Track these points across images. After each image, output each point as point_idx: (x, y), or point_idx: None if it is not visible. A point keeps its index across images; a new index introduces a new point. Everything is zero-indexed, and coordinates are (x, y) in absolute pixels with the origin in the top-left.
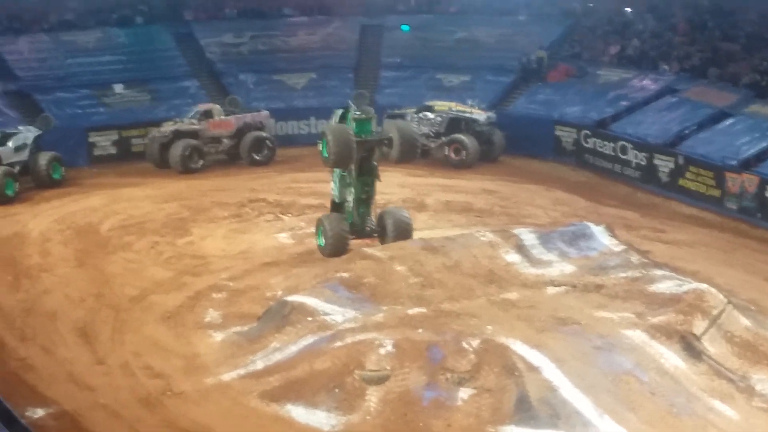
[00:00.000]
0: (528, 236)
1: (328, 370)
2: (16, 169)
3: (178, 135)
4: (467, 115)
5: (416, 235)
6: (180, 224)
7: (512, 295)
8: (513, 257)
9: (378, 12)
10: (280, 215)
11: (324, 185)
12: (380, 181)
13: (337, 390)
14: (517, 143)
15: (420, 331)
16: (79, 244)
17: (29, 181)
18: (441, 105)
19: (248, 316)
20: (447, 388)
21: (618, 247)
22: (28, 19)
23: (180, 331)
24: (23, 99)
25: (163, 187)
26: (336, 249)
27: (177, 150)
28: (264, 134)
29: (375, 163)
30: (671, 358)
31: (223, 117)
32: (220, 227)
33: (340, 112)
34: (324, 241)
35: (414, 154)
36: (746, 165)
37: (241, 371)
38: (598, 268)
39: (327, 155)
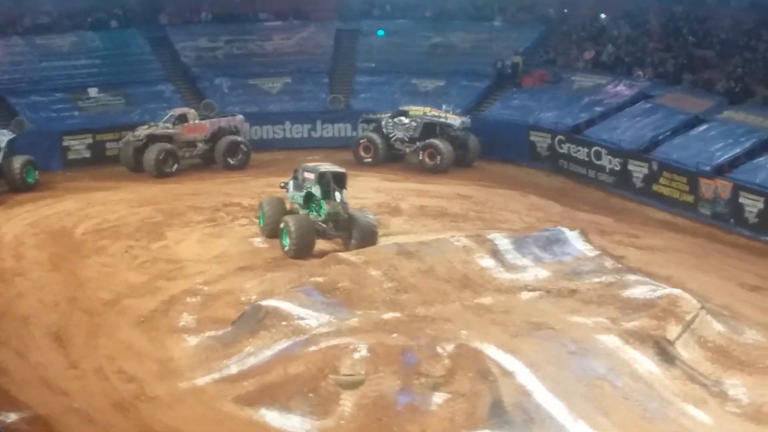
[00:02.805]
0: (502, 241)
1: (303, 375)
2: None
3: (152, 139)
4: (442, 120)
5: (391, 239)
6: (154, 228)
7: (487, 300)
8: (487, 262)
9: (353, 17)
10: (255, 219)
11: None
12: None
13: (311, 394)
14: (491, 148)
15: (394, 335)
16: (53, 248)
17: (3, 185)
18: (416, 110)
19: (223, 320)
20: (421, 393)
21: (592, 253)
22: (2, 22)
23: (154, 335)
24: None
25: (137, 191)
26: (302, 250)
27: (151, 154)
28: (239, 138)
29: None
30: (645, 363)
31: (197, 121)
32: (195, 231)
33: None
34: (289, 242)
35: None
36: (720, 171)
37: (216, 375)
38: (573, 273)
39: (287, 245)
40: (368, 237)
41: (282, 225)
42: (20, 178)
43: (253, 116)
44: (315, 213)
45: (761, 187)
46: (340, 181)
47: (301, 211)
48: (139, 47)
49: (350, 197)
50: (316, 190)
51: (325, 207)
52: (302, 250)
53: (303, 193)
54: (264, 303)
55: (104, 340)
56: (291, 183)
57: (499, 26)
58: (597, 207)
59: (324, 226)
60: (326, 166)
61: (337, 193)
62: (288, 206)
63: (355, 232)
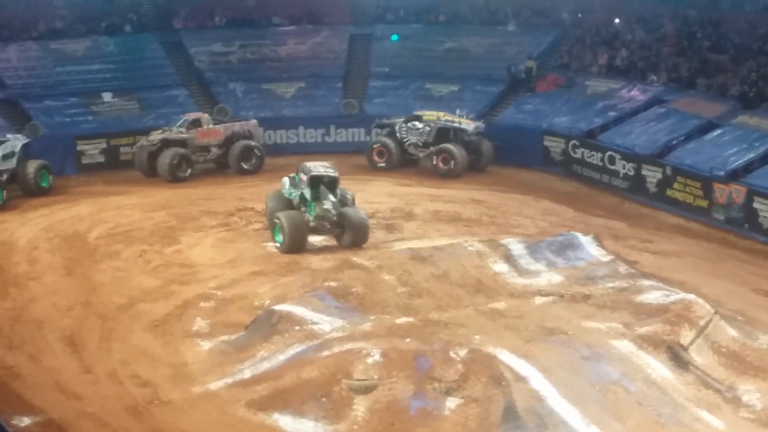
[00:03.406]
0: (516, 246)
1: (316, 380)
2: (4, 177)
3: (166, 144)
4: (456, 124)
5: (404, 244)
6: (168, 233)
7: (500, 304)
8: (501, 267)
9: (367, 21)
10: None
11: None
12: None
13: (324, 399)
14: (505, 153)
15: (408, 340)
16: (67, 253)
17: (17, 189)
18: (429, 114)
19: (236, 325)
20: (434, 398)
21: (606, 258)
22: (17, 27)
23: (167, 339)
24: (11, 107)
25: (151, 195)
26: (294, 247)
27: (165, 159)
28: (252, 143)
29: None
30: (658, 368)
31: (211, 126)
32: (209, 236)
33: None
34: (282, 238)
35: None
36: (734, 176)
37: (229, 380)
38: (586, 278)
39: (280, 242)
40: (360, 233)
41: (276, 221)
42: (34, 183)
43: (267, 121)
44: (307, 213)
45: None
46: (330, 185)
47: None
48: (153, 52)
49: (364, 202)
50: (307, 193)
51: (315, 209)
52: (294, 247)
53: (299, 193)
54: (277, 307)
55: (118, 344)
56: (288, 180)
57: (513, 31)
58: (611, 212)
59: (316, 223)
60: (320, 169)
61: (330, 196)
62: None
63: (347, 229)
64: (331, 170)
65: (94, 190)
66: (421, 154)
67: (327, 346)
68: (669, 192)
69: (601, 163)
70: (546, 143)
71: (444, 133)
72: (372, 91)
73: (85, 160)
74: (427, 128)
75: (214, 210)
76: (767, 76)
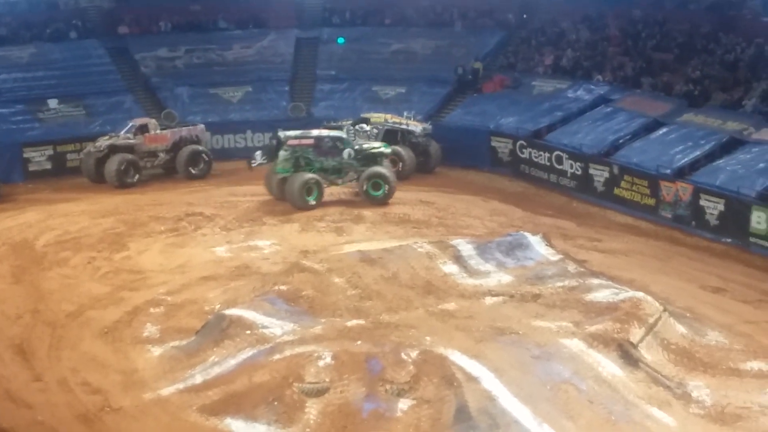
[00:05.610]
0: (465, 247)
1: (267, 383)
2: None
3: (113, 150)
4: (403, 126)
5: (354, 246)
6: (117, 239)
7: (450, 305)
8: (451, 268)
9: (313, 24)
10: (218, 229)
11: (260, 197)
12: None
13: (276, 403)
14: (453, 154)
15: (359, 342)
16: (15, 261)
17: None
18: (377, 117)
19: (186, 330)
20: (386, 400)
21: (555, 257)
22: None
23: (118, 346)
24: None
25: (99, 202)
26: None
27: (113, 165)
28: (200, 148)
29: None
30: (609, 366)
31: (158, 131)
32: (157, 242)
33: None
34: None
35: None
36: (680, 174)
37: (180, 385)
38: (536, 278)
39: None
40: (289, 197)
41: None
42: None
43: (214, 125)
44: None
45: (721, 189)
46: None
47: None
48: (99, 58)
49: None
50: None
51: None
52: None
53: None
54: (228, 312)
55: (68, 352)
56: None
57: (459, 32)
58: (559, 211)
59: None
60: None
61: (258, 154)
62: None
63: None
64: (286, 134)
65: (41, 197)
66: None
67: (278, 349)
68: (616, 191)
69: (548, 163)
70: (493, 144)
71: (392, 135)
72: (319, 94)
73: (31, 167)
74: (375, 130)
75: (162, 215)
76: (711, 75)
